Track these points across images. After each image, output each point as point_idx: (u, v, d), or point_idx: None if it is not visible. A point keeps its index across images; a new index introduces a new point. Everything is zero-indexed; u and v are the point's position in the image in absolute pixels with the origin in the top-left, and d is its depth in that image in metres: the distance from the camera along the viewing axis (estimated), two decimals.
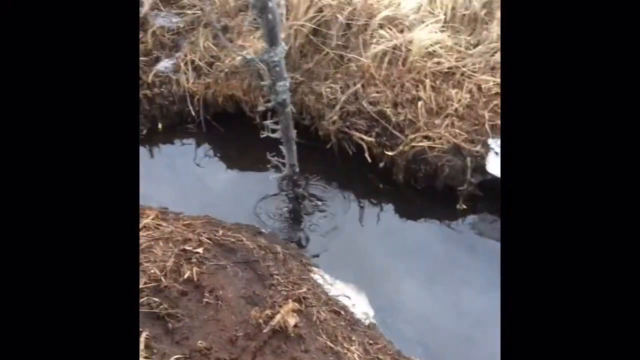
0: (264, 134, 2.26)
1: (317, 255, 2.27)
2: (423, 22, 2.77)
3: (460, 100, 2.59)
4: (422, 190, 2.51)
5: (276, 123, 2.22)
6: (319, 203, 2.53)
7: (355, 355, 1.71)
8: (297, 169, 2.39)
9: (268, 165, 2.55)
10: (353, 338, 1.78)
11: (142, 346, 1.66)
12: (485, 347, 1.86)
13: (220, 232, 2.15)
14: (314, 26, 2.78)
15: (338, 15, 2.74)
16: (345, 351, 1.72)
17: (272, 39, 1.89)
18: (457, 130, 2.51)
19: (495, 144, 2.44)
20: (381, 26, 2.76)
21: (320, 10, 2.78)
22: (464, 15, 2.83)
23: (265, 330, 1.73)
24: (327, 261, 2.23)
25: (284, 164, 2.36)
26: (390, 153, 2.55)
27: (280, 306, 1.83)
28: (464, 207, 2.44)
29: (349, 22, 2.77)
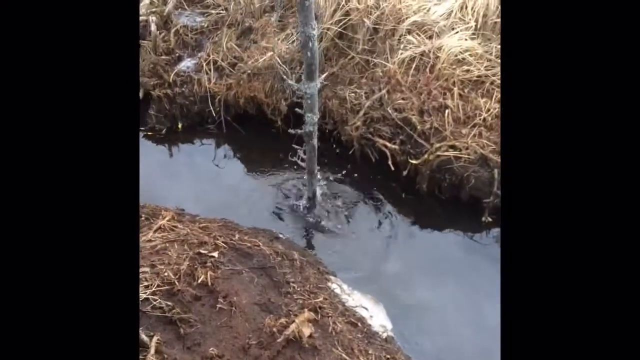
0: (294, 159, 2.27)
1: (335, 265, 2.20)
2: (453, 28, 2.70)
3: (489, 109, 2.51)
4: (446, 201, 2.43)
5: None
6: (339, 211, 2.46)
7: None
8: (317, 201, 2.38)
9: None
10: (370, 351, 1.70)
11: (152, 350, 1.60)
12: None
13: (237, 236, 2.09)
14: (340, 30, 2.72)
15: (365, 20, 2.68)
16: None
17: (309, 74, 2.00)
18: (485, 141, 2.43)
19: None
20: (409, 32, 2.69)
21: (347, 14, 2.73)
22: (495, 23, 2.75)
23: (279, 340, 1.67)
24: (345, 270, 2.16)
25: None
26: (414, 161, 2.47)
27: (296, 315, 1.76)
28: (490, 219, 2.35)
29: (376, 26, 2.71)
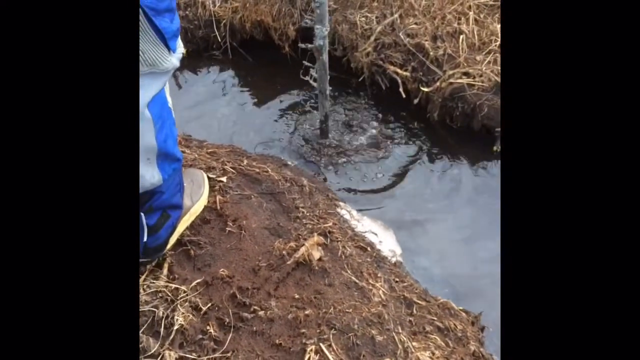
0: (306, 78, 2.18)
1: (344, 190, 2.18)
2: None
3: None
4: (458, 130, 2.38)
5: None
6: (349, 137, 2.42)
7: (381, 292, 1.65)
8: (328, 124, 2.31)
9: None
10: (379, 275, 1.71)
11: (165, 271, 1.61)
12: None
13: (245, 161, 2.06)
14: None
15: None
16: (370, 287, 1.65)
17: None
18: (500, 68, 2.35)
19: None
20: None
21: None
22: None
23: (288, 262, 1.67)
24: (355, 197, 2.15)
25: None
26: (426, 89, 2.41)
27: (305, 239, 1.75)
28: (497, 149, 2.31)
29: None
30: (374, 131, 2.44)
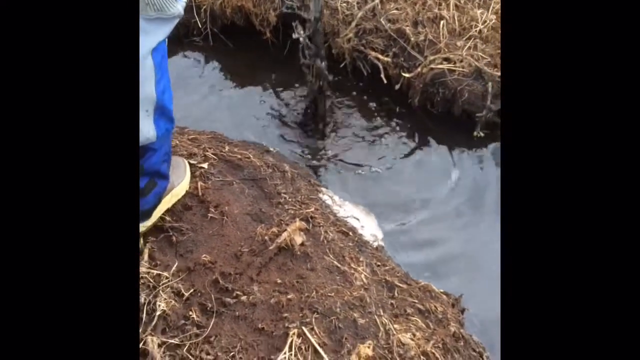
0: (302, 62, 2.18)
1: (324, 174, 2.19)
2: None
3: (485, 21, 2.43)
4: (439, 115, 2.40)
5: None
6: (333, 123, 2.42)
7: (362, 276, 1.66)
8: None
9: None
10: (360, 259, 1.73)
11: (145, 257, 1.61)
12: (491, 271, 1.80)
13: (227, 148, 2.06)
14: None
15: None
16: (352, 271, 1.67)
17: None
18: (480, 54, 2.37)
19: None
20: None
21: None
22: None
23: (271, 247, 1.68)
24: (337, 182, 2.15)
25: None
26: (407, 75, 2.41)
27: (287, 224, 1.76)
28: (481, 134, 2.34)
29: None
30: (356, 117, 2.45)
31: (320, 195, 1.98)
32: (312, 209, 1.86)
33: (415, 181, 2.22)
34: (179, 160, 1.82)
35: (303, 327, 1.49)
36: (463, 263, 1.96)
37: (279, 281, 1.61)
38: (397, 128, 2.40)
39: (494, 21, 2.43)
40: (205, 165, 1.92)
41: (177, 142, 2.04)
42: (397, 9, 2.47)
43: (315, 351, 1.46)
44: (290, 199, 1.89)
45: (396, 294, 1.67)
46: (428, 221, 2.08)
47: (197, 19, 2.70)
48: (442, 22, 2.43)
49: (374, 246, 1.85)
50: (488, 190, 2.19)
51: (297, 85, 2.56)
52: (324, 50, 2.19)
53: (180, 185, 1.75)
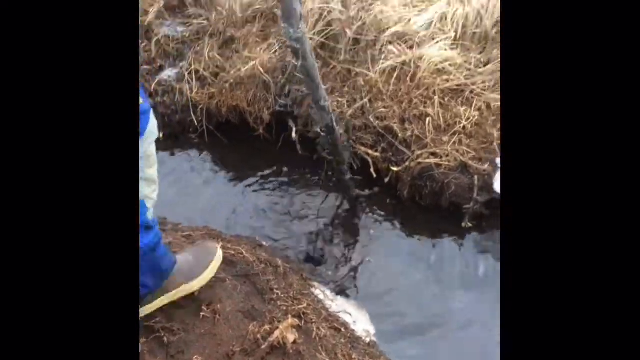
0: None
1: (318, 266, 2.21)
2: (433, 39, 2.75)
3: (468, 117, 2.55)
4: (427, 207, 2.46)
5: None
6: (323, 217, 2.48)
7: None
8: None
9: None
10: (353, 356, 1.71)
11: None
12: None
13: (220, 244, 2.08)
14: (322, 40, 2.76)
15: (347, 30, 2.71)
16: None
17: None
18: (465, 148, 2.47)
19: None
20: (390, 42, 2.73)
21: (329, 25, 2.76)
22: (474, 33, 2.80)
23: (263, 347, 1.67)
24: (330, 276, 2.17)
25: None
26: (395, 169, 2.50)
27: (280, 321, 1.76)
28: (470, 225, 2.39)
29: (358, 37, 2.75)
30: (346, 211, 2.50)
31: (313, 289, 1.99)
32: (305, 305, 1.86)
33: (405, 271, 2.24)
34: (210, 249, 1.84)
35: None
36: (457, 355, 1.94)
37: None
38: (387, 219, 2.45)
39: (476, 117, 2.55)
40: None
41: (172, 239, 2.07)
42: (384, 107, 2.59)
43: None
44: (282, 295, 1.89)
45: None
46: (420, 312, 2.08)
47: (194, 117, 2.82)
48: (427, 119, 2.54)
49: (367, 342, 1.85)
50: (479, 278, 2.21)
51: (290, 179, 2.63)
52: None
53: (193, 282, 1.76)
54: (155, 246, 1.57)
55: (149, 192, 1.49)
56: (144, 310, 1.68)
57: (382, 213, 2.49)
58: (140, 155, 1.39)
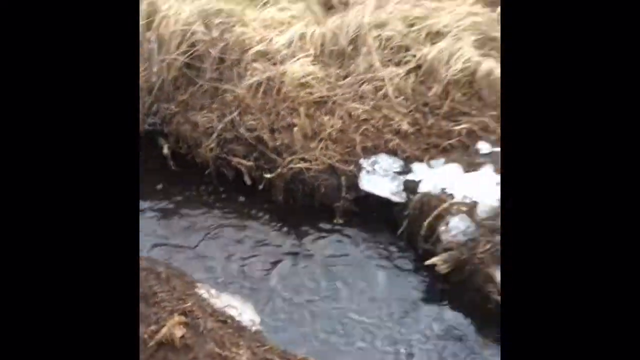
0: None
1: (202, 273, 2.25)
2: (294, 56, 2.96)
3: (332, 125, 2.76)
4: (301, 208, 2.61)
5: None
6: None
7: (244, 358, 1.71)
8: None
9: None
10: (241, 343, 1.78)
11: None
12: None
13: None
14: (187, 60, 2.85)
15: (211, 50, 2.84)
16: (234, 355, 1.71)
17: None
18: (332, 153, 2.66)
19: (366, 163, 2.63)
20: (254, 60, 2.90)
21: (193, 45, 2.87)
22: (332, 51, 3.06)
23: (150, 344, 1.68)
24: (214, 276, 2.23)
25: None
26: (269, 175, 2.63)
27: (166, 320, 1.78)
28: (341, 221, 2.57)
29: (222, 56, 2.88)
30: (226, 219, 2.58)
31: (197, 289, 2.02)
32: (190, 304, 1.90)
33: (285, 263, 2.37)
34: None
35: None
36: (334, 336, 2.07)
37: None
38: (266, 222, 2.57)
39: (340, 125, 2.77)
40: None
41: None
42: (254, 119, 2.73)
43: None
44: (167, 297, 1.91)
45: None
46: (297, 301, 2.20)
47: None
48: (295, 128, 2.71)
49: (253, 330, 1.92)
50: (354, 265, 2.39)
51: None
52: None
53: None
54: None
55: None
56: None
57: (260, 215, 2.59)
58: None
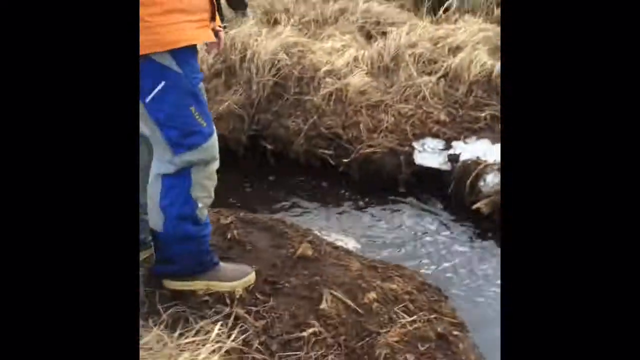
0: None
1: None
2: (352, 72, 3.90)
3: (387, 121, 3.67)
4: (373, 182, 3.50)
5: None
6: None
7: (356, 266, 2.57)
8: None
9: None
10: (350, 257, 2.65)
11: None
12: None
13: (242, 214, 2.97)
14: (275, 80, 3.81)
15: (294, 71, 3.79)
16: (348, 264, 2.58)
17: None
18: (390, 139, 3.56)
19: (417, 144, 3.51)
20: (325, 77, 3.84)
21: (279, 70, 3.83)
22: (379, 66, 4.00)
23: (294, 257, 2.56)
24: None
25: None
26: (346, 160, 3.54)
27: (299, 245, 2.67)
28: (404, 190, 3.44)
29: (301, 75, 3.83)
30: (320, 194, 3.48)
31: (313, 231, 2.91)
32: (311, 237, 2.78)
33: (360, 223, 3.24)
34: (247, 269, 2.29)
35: (332, 291, 2.35)
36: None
37: (305, 273, 2.48)
38: (347, 194, 3.46)
39: (393, 120, 3.67)
40: (233, 224, 2.81)
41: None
42: (330, 120, 3.65)
43: (343, 302, 2.31)
44: (293, 234, 2.80)
45: (379, 271, 2.59)
46: (386, 236, 3.06)
47: None
48: (361, 124, 3.63)
49: (356, 252, 2.79)
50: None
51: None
52: None
53: (228, 284, 2.18)
54: (200, 238, 2.03)
55: (201, 196, 1.92)
56: (177, 285, 2.12)
57: (342, 191, 3.51)
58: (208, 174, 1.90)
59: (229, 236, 2.67)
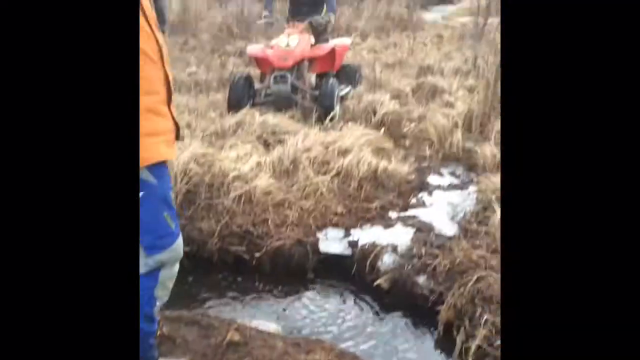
0: None
1: None
2: (257, 176, 4.36)
3: (292, 215, 4.11)
4: (284, 271, 3.86)
5: None
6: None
7: (280, 345, 2.87)
8: None
9: None
10: (275, 338, 2.94)
11: None
12: None
13: (167, 312, 3.18)
14: (188, 187, 4.16)
15: (205, 178, 4.18)
16: (274, 344, 2.87)
17: None
18: (296, 232, 3.99)
19: (321, 234, 3.97)
20: (233, 181, 4.26)
21: (191, 177, 4.20)
22: (280, 169, 4.51)
23: (223, 344, 2.81)
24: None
25: None
26: (257, 254, 3.88)
27: (227, 332, 2.92)
28: (312, 276, 3.83)
29: (211, 182, 4.22)
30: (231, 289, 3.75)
31: (236, 320, 3.17)
32: (236, 325, 3.05)
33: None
34: None
35: None
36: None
37: (235, 357, 2.73)
38: (257, 283, 3.77)
39: (297, 215, 4.12)
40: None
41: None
42: (241, 219, 4.03)
43: None
44: (219, 324, 3.05)
45: (302, 345, 2.91)
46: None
47: None
48: (269, 221, 4.04)
49: (276, 333, 3.08)
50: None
51: None
52: None
53: None
54: (150, 334, 2.13)
55: (161, 295, 2.03)
56: None
57: (256, 283, 3.81)
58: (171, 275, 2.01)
59: (158, 333, 2.87)
